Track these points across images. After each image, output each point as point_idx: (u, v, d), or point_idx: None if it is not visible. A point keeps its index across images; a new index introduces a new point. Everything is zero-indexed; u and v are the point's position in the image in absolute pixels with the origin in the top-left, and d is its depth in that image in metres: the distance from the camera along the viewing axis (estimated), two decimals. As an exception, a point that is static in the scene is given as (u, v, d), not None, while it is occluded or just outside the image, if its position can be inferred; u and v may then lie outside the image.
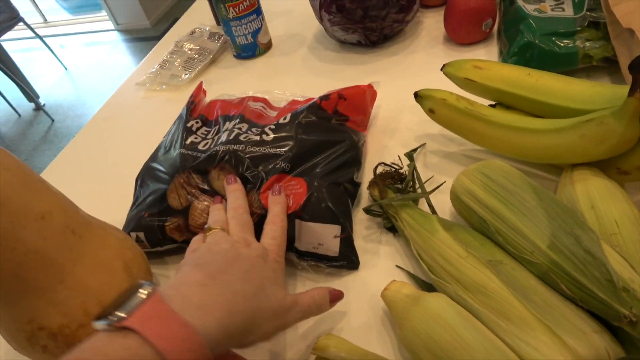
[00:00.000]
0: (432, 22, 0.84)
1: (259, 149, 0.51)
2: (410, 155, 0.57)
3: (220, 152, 0.51)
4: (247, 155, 0.51)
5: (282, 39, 0.92)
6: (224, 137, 0.54)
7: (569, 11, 0.66)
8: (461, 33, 0.74)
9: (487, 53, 0.74)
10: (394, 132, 0.64)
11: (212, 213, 0.47)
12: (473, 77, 0.55)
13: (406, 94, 0.62)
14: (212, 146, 0.54)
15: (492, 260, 0.39)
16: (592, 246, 0.35)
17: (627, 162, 0.45)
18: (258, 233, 0.45)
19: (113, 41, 3.86)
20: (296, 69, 0.82)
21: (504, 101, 0.54)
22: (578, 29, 0.63)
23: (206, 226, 0.45)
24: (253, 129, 0.55)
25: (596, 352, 0.33)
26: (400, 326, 0.39)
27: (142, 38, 3.76)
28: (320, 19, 0.80)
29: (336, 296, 0.42)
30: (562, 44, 0.62)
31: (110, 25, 3.99)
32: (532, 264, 0.38)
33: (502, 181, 0.43)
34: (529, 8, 0.67)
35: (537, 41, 0.63)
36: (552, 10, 0.66)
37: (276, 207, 0.46)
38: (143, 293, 0.30)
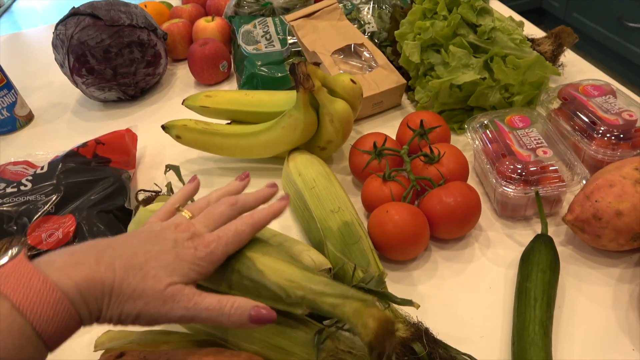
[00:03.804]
0: (183, 72, 0.97)
1: (16, 199, 0.55)
2: (171, 168, 0.64)
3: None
4: (4, 207, 0.53)
5: (44, 109, 0.94)
6: (-22, 199, 0.56)
7: (277, 46, 0.85)
8: (204, 76, 0.89)
9: (230, 87, 0.89)
10: (160, 165, 0.73)
11: (199, 199, 0.42)
12: (206, 104, 0.68)
13: (166, 134, 0.71)
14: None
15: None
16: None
17: (320, 140, 0.62)
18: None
19: None
20: (62, 133, 0.86)
21: (234, 118, 0.68)
22: (285, 57, 0.83)
23: (181, 207, 0.41)
24: (10, 186, 0.58)
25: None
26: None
27: None
28: (75, 84, 0.86)
29: (261, 317, 0.34)
30: (276, 71, 0.81)
31: None
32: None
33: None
34: (249, 48, 0.85)
35: (257, 71, 0.80)
36: (266, 47, 0.85)
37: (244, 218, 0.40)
38: (7, 255, 0.31)
